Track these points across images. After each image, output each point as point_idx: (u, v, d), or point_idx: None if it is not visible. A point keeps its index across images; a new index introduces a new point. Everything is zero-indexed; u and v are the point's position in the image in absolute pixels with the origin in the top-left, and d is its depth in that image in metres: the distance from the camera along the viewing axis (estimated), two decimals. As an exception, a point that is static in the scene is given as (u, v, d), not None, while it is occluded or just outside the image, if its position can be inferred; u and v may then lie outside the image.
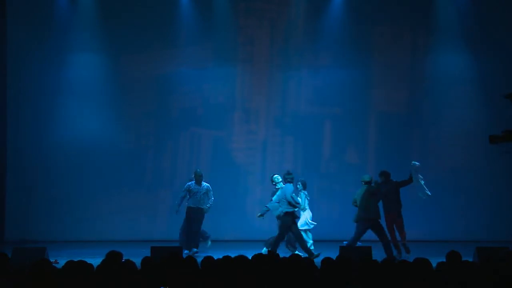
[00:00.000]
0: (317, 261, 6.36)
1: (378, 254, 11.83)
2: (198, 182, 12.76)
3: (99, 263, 6.38)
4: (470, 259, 8.93)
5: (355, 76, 15.27)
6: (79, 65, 14.98)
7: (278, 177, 12.37)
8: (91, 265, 6.05)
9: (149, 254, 10.87)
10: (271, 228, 13.01)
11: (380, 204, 12.07)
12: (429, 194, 12.21)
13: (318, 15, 15.34)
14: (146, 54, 15.06)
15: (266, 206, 12.09)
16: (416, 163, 12.23)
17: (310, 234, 12.76)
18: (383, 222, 12.01)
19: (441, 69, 15.32)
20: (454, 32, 15.25)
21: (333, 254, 7.48)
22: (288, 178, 12.09)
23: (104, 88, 15.07)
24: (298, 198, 12.41)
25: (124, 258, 6.39)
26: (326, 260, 6.06)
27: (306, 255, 11.02)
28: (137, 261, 6.45)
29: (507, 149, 8.47)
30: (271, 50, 15.41)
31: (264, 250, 11.91)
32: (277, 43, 15.41)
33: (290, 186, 11.97)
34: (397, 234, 12.26)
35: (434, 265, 6.20)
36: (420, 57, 15.43)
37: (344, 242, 12.61)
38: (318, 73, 15.35)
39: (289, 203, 11.85)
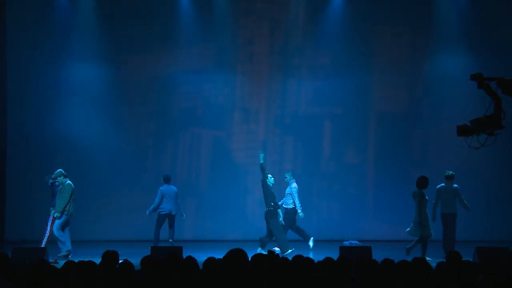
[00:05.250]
0: (317, 261, 6.35)
1: (378, 254, 11.85)
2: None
3: (98, 263, 6.38)
4: (470, 259, 8.93)
5: (355, 76, 15.26)
6: (79, 65, 14.96)
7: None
8: (90, 265, 6.04)
9: (149, 254, 10.85)
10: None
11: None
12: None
13: (318, 15, 15.34)
14: (146, 54, 15.05)
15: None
16: None
17: None
18: None
19: (441, 69, 15.32)
20: (454, 32, 15.25)
21: (333, 254, 7.48)
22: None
23: (104, 88, 15.06)
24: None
25: (123, 258, 6.38)
26: (326, 260, 6.05)
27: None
28: (137, 261, 6.45)
29: (479, 143, 7.89)
30: (271, 50, 15.40)
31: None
32: (277, 43, 15.41)
33: None
34: None
35: (434, 265, 6.20)
36: (420, 57, 15.43)
37: (345, 242, 12.61)
38: (318, 73, 15.36)
39: None
